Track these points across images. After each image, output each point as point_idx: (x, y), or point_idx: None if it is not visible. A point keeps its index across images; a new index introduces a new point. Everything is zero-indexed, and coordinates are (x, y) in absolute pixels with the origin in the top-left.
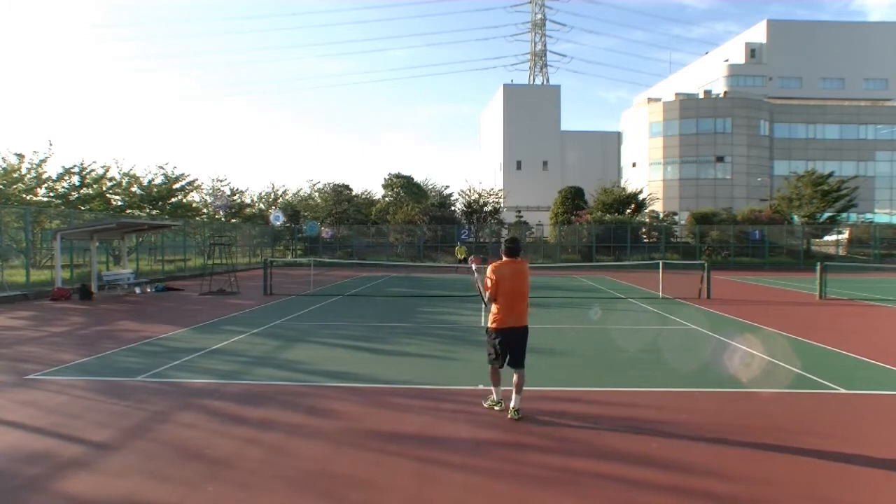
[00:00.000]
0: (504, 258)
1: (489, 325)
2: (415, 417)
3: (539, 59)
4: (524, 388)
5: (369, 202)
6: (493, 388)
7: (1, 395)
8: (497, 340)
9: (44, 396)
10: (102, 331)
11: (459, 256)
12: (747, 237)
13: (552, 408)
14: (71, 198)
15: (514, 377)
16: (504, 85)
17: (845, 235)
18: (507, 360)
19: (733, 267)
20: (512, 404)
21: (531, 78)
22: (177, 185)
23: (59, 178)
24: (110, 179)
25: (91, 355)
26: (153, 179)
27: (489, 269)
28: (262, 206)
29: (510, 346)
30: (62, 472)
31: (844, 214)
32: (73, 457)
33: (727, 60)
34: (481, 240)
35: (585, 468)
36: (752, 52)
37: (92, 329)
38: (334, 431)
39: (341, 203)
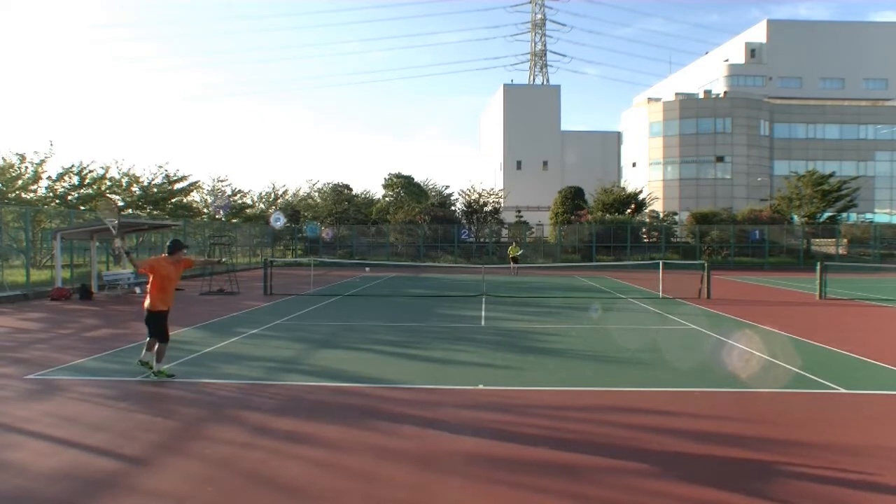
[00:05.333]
0: (165, 254)
1: (147, 308)
2: (414, 417)
3: (539, 59)
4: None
5: (369, 202)
6: (145, 352)
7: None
8: (147, 319)
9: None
10: (109, 331)
11: (513, 255)
12: (747, 237)
13: (552, 407)
14: (70, 198)
15: (157, 346)
16: (504, 85)
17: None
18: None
19: (733, 267)
20: (156, 367)
21: (531, 78)
22: (178, 186)
23: (59, 177)
24: (110, 179)
25: (90, 355)
26: (153, 179)
27: (151, 258)
28: (262, 206)
29: (161, 322)
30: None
31: (844, 214)
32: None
33: (727, 60)
34: (481, 239)
35: (586, 468)
36: (752, 51)
37: (95, 331)
38: (334, 431)
39: (341, 203)
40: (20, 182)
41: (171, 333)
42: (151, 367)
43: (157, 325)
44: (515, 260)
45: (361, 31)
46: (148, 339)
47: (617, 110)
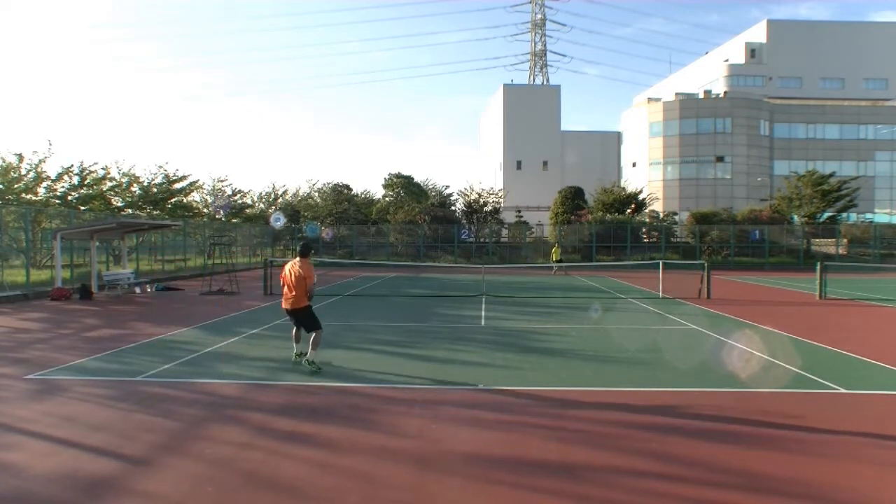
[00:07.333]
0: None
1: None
2: (414, 417)
3: (539, 59)
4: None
5: (369, 202)
6: (294, 344)
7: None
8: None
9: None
10: (109, 331)
11: (555, 258)
12: (747, 237)
13: (552, 407)
14: (70, 198)
15: (311, 337)
16: (504, 85)
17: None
18: (301, 327)
19: (733, 267)
20: (307, 357)
21: (531, 78)
22: (177, 186)
23: (59, 177)
24: (110, 180)
25: (90, 355)
26: (153, 179)
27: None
28: (262, 206)
29: (295, 319)
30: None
31: (844, 214)
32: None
33: (727, 60)
34: (481, 240)
35: (586, 468)
36: (752, 51)
37: (95, 331)
38: (334, 431)
39: (341, 203)
40: (21, 184)
41: (170, 332)
42: (304, 355)
43: (295, 319)
44: (559, 262)
45: (361, 31)
46: (294, 331)
47: (617, 110)
